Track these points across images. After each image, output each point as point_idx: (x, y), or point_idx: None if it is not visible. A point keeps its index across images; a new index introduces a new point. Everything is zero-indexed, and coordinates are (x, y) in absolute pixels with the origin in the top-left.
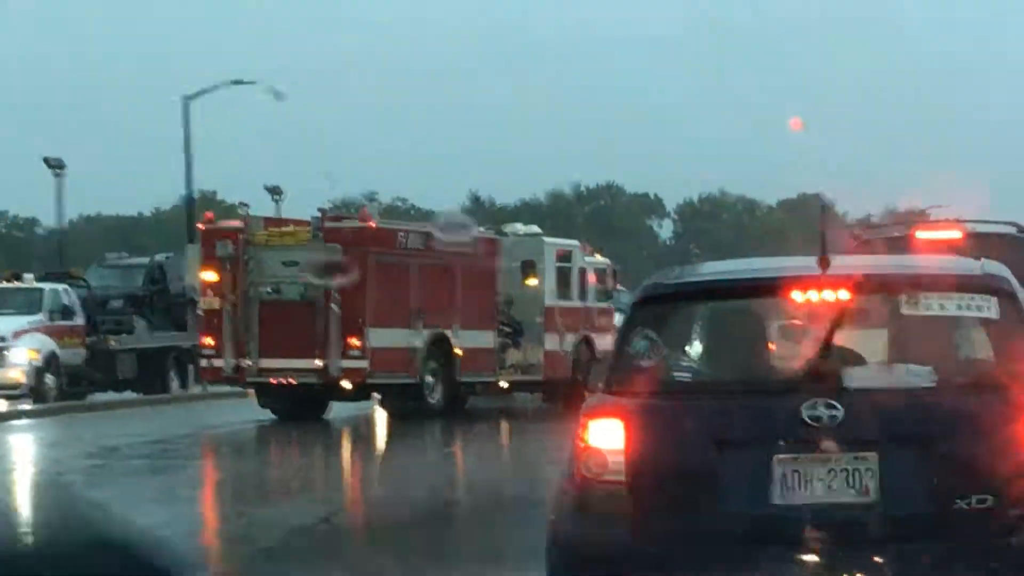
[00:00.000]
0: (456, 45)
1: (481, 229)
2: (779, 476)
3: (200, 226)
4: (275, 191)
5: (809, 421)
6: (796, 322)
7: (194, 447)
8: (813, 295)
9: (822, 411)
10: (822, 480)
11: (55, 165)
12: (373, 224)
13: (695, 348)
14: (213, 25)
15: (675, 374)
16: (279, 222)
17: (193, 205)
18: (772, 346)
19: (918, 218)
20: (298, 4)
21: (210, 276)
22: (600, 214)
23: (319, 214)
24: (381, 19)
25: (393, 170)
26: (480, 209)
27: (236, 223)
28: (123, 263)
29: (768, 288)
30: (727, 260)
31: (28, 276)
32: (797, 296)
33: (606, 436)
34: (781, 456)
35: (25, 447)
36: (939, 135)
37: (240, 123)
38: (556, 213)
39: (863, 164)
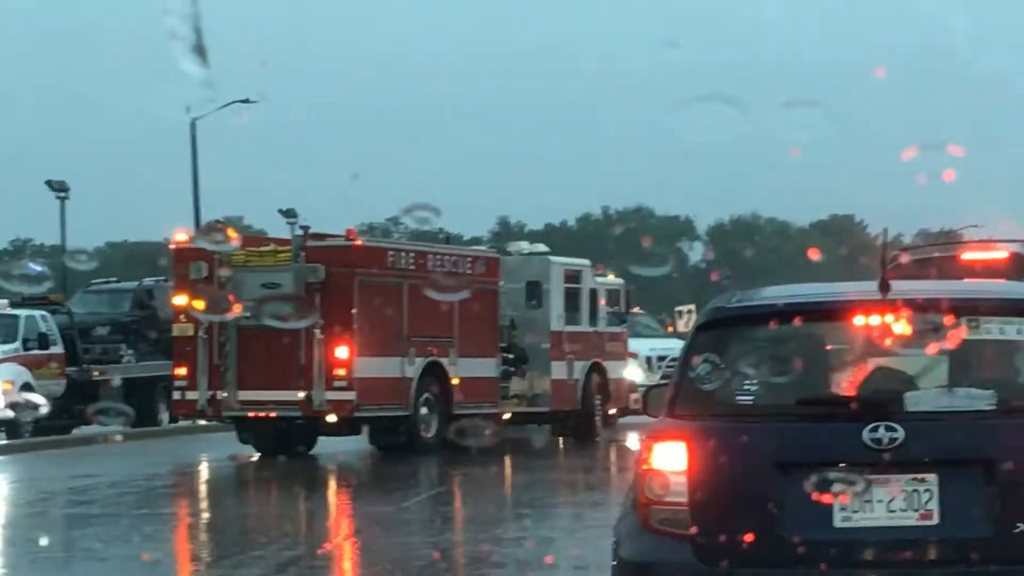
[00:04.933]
0: (482, 68)
1: (482, 248)
2: (840, 499)
3: (172, 246)
4: (289, 214)
5: (870, 444)
6: (857, 346)
7: (151, 490)
8: (875, 319)
9: (883, 434)
10: (883, 503)
11: (58, 188)
12: (359, 242)
13: (756, 372)
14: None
15: (737, 397)
16: (259, 241)
17: (199, 227)
18: (833, 369)
19: (953, 239)
20: (318, 26)
21: (182, 300)
22: (629, 237)
23: (301, 232)
24: (409, 43)
25: (421, 194)
26: (508, 232)
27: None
28: (109, 288)
29: (830, 312)
30: (785, 285)
31: (2, 302)
32: (859, 320)
33: (669, 459)
34: (842, 478)
35: None
36: (972, 156)
37: (268, 148)
38: (585, 236)
39: (892, 185)
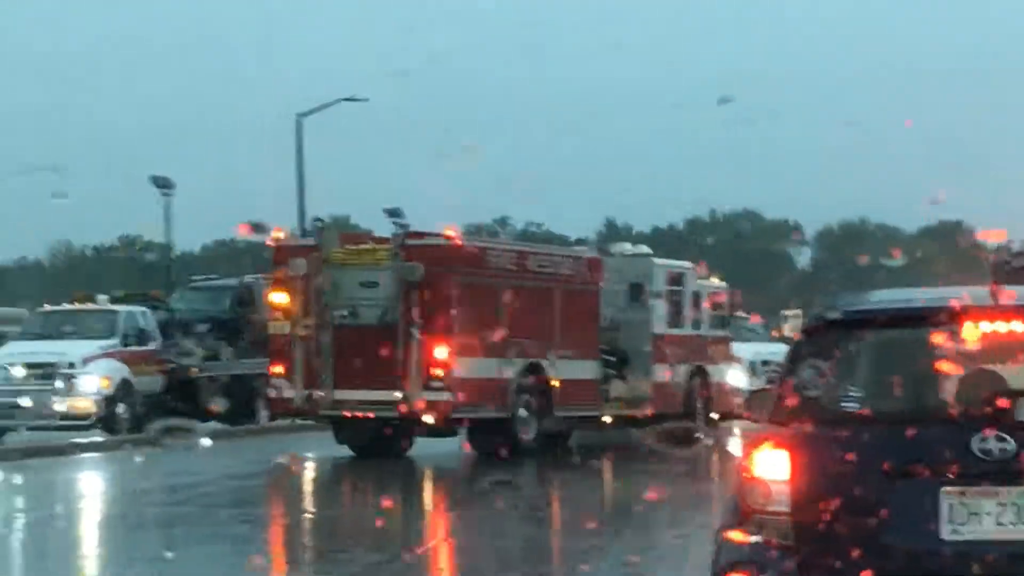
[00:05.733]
0: (589, 71)
1: (584, 248)
2: (947, 510)
3: (270, 243)
4: (394, 213)
5: (979, 454)
6: (967, 353)
7: (245, 489)
8: (986, 325)
9: (993, 444)
10: (991, 515)
11: (163, 184)
12: (459, 241)
13: (863, 378)
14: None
15: (842, 404)
16: (357, 238)
17: (304, 226)
18: (940, 377)
19: None
20: (423, 22)
21: (280, 298)
22: (736, 240)
23: (400, 230)
24: (524, 43)
25: (529, 194)
26: (615, 234)
27: (309, 240)
28: (210, 285)
29: (939, 318)
30: (893, 289)
31: (102, 298)
32: (969, 326)
33: (771, 467)
34: (949, 489)
35: (61, 485)
36: None
37: (378, 146)
38: (691, 239)
39: (997, 191)
